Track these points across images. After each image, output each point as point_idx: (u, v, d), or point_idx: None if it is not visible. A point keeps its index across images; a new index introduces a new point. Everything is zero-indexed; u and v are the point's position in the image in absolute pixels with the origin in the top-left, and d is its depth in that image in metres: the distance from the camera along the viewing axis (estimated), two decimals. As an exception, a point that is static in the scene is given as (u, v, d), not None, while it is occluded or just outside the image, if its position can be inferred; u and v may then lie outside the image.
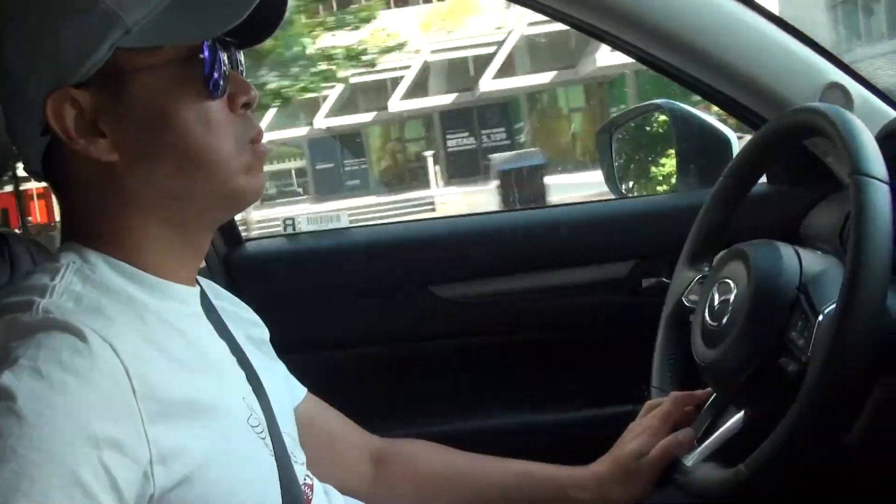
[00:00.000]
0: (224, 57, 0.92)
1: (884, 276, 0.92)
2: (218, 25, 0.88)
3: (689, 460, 1.12)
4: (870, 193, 0.94)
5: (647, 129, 1.98)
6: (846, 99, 1.48)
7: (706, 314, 1.16)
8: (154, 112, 0.89)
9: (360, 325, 1.69)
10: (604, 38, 1.54)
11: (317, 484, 1.10)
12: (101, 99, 0.88)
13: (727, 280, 1.14)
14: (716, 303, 1.14)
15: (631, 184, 1.95)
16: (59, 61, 0.87)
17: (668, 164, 1.85)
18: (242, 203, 0.97)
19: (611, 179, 1.95)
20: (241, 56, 0.98)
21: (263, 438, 0.94)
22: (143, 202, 0.91)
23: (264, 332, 1.20)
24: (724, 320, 1.11)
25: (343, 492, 1.17)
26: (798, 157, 1.57)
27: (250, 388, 0.99)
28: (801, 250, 1.12)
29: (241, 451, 0.90)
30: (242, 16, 0.87)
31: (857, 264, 0.92)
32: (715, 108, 1.68)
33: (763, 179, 1.68)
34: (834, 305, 0.96)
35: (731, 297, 1.12)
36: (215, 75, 0.90)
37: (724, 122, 1.79)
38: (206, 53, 0.89)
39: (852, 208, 0.95)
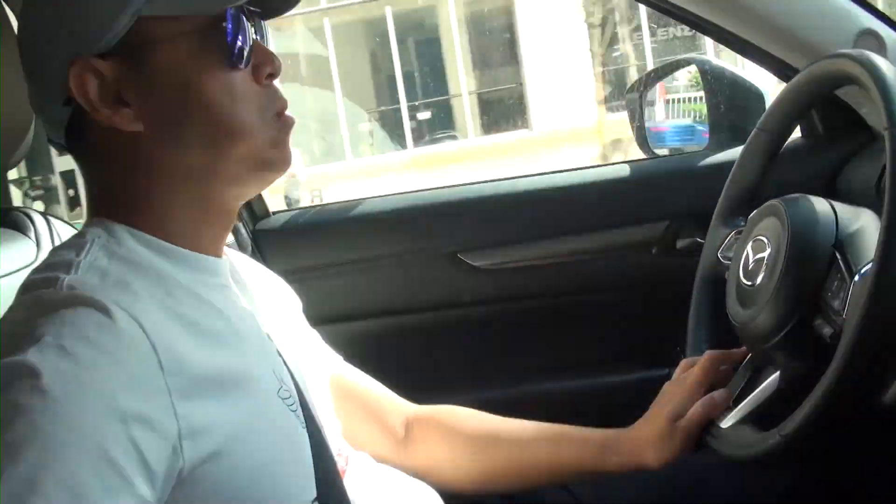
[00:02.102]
0: (249, 27, 0.90)
1: None
2: None
3: (725, 422, 1.10)
4: None
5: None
6: (879, 45, 1.44)
7: (740, 273, 1.13)
8: (178, 82, 0.88)
9: (390, 294, 1.69)
10: None
11: (351, 453, 1.10)
12: (124, 68, 0.87)
13: (761, 237, 1.12)
14: (750, 261, 1.12)
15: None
16: (82, 30, 0.86)
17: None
18: (270, 176, 0.96)
19: (642, 139, 1.93)
20: (266, 26, 0.96)
21: (294, 410, 0.93)
22: (169, 174, 0.90)
23: (296, 303, 1.19)
24: (759, 280, 1.09)
25: (378, 459, 1.18)
26: (832, 109, 1.54)
27: (281, 359, 0.98)
28: (836, 205, 1.09)
29: (272, 424, 0.89)
30: None
31: (893, 225, 0.88)
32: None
33: (798, 133, 1.66)
34: (869, 266, 0.93)
35: (766, 256, 1.09)
36: (239, 45, 0.88)
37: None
38: (230, 23, 0.88)
39: (888, 166, 0.91)
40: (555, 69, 16.24)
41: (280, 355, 0.99)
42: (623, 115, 2.02)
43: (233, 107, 0.89)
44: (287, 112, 0.94)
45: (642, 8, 12.63)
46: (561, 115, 16.04)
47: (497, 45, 18.53)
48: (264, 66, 0.92)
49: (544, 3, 16.33)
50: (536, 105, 17.35)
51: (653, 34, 16.55)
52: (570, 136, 14.39)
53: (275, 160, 0.93)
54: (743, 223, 1.24)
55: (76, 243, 0.88)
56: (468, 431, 1.30)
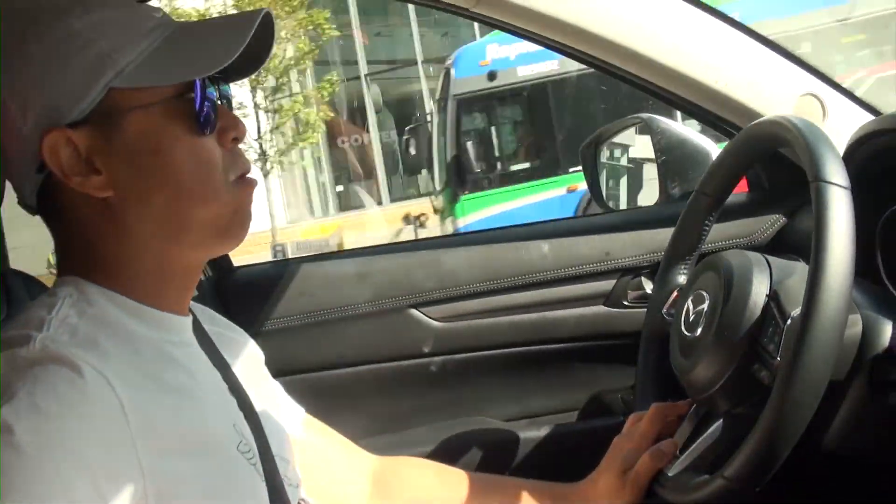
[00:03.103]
0: (214, 93, 0.94)
1: (845, 278, 0.94)
2: (208, 65, 0.90)
3: (671, 470, 1.14)
4: (829, 199, 0.96)
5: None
6: (821, 107, 1.50)
7: (682, 326, 1.18)
8: (147, 149, 0.91)
9: (351, 347, 1.71)
10: (582, 58, 1.57)
11: None
12: (95, 137, 0.90)
13: (701, 291, 1.17)
14: (690, 314, 1.17)
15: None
16: (54, 101, 0.89)
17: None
18: (229, 242, 0.98)
19: (596, 193, 1.98)
20: (230, 90, 1.00)
21: (254, 464, 0.96)
22: (138, 235, 0.93)
23: (259, 356, 1.21)
24: (699, 331, 1.14)
25: None
26: (777, 165, 1.59)
27: (242, 413, 1.00)
28: (771, 258, 1.14)
29: (231, 479, 0.92)
30: (233, 56, 0.89)
31: (818, 269, 0.94)
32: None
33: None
34: (799, 310, 0.98)
35: (705, 308, 1.14)
36: (205, 112, 0.92)
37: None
38: (197, 92, 0.91)
39: (814, 214, 0.97)
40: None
41: (241, 409, 1.01)
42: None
43: (198, 172, 0.92)
44: (249, 175, 0.98)
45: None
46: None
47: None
48: (229, 130, 0.96)
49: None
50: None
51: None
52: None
53: (235, 226, 0.97)
54: (685, 281, 1.30)
55: (48, 302, 0.90)
56: (427, 488, 1.33)
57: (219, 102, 0.95)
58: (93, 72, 0.89)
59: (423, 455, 1.53)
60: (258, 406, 1.05)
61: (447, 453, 1.54)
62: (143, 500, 0.81)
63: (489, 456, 1.63)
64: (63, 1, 0.92)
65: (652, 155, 1.82)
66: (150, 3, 1.15)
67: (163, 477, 0.83)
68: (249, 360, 1.17)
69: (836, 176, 0.98)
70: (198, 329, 1.04)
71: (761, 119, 1.20)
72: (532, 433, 1.67)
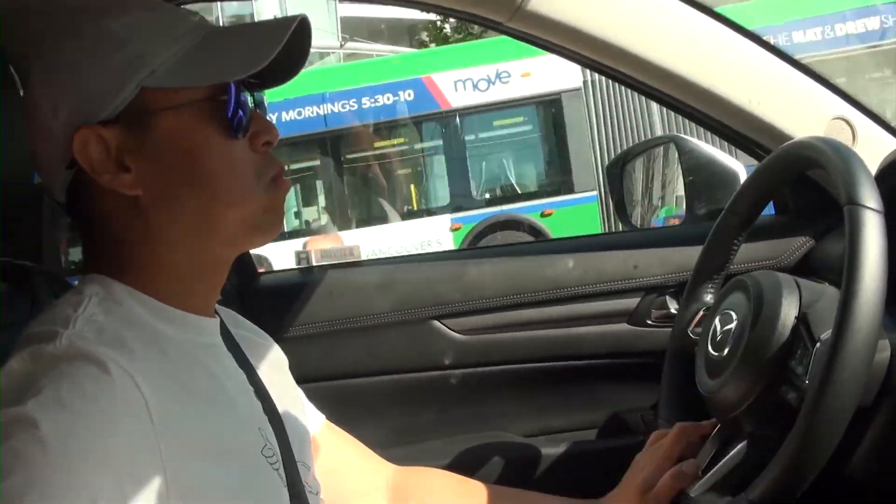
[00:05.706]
0: (247, 97, 0.94)
1: (877, 303, 0.93)
2: (241, 68, 0.91)
3: (694, 491, 1.13)
4: (862, 223, 0.96)
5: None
6: (851, 131, 1.50)
7: (709, 345, 1.18)
8: (177, 150, 0.91)
9: (372, 357, 1.71)
10: (613, 75, 1.57)
11: None
12: (126, 136, 0.91)
13: (729, 311, 1.16)
14: (718, 333, 1.17)
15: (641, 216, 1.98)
16: (86, 99, 0.90)
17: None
18: (261, 239, 0.99)
19: (621, 211, 1.98)
20: (263, 95, 1.00)
21: (277, 469, 0.96)
22: (166, 235, 0.93)
23: (283, 360, 1.21)
24: (726, 351, 1.13)
25: None
26: (804, 188, 1.59)
27: (266, 418, 1.00)
28: (801, 280, 1.14)
29: (255, 483, 0.92)
30: (266, 61, 0.90)
31: (850, 292, 0.93)
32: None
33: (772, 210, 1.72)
34: (829, 333, 0.97)
35: (733, 328, 1.14)
36: (238, 116, 0.92)
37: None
38: (230, 95, 0.92)
39: (846, 238, 0.97)
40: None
41: (266, 413, 1.01)
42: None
43: (229, 176, 0.93)
44: (283, 177, 0.98)
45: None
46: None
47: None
48: (261, 134, 0.96)
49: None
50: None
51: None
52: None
53: (267, 225, 0.97)
54: (712, 301, 1.29)
55: (73, 300, 0.91)
56: (446, 496, 1.32)
57: (252, 107, 0.96)
58: (126, 71, 0.90)
59: (440, 467, 1.52)
60: (282, 410, 1.05)
61: (465, 466, 1.54)
62: (164, 500, 0.80)
63: (507, 470, 1.62)
64: (101, 1, 0.93)
65: (679, 174, 1.82)
66: (187, 7, 1.15)
67: (186, 479, 0.82)
68: (274, 364, 1.17)
69: (869, 199, 0.97)
70: (223, 331, 1.04)
71: (794, 140, 1.20)
72: (551, 449, 1.66)
